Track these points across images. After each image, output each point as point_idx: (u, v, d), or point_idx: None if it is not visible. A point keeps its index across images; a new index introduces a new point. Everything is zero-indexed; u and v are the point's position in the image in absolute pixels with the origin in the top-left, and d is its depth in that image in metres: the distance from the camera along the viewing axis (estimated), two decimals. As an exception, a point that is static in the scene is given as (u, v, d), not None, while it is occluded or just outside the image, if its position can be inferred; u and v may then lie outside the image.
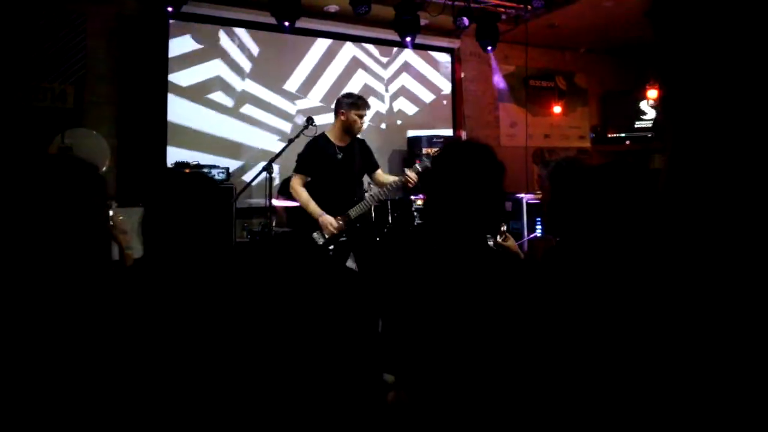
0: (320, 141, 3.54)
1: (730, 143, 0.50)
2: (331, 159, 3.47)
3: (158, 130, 4.92)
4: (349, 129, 3.48)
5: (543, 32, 6.18)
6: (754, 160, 0.48)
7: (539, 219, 5.59)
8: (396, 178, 3.54)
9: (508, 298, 1.29)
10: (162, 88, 4.95)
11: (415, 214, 5.19)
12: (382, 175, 3.72)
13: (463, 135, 6.42)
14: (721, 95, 0.51)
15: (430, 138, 5.85)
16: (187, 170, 4.49)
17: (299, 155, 3.53)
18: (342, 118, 3.47)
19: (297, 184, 3.47)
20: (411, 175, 3.39)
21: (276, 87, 5.55)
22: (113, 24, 4.78)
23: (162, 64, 4.94)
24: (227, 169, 4.84)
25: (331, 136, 3.53)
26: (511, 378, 1.24)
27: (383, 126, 6.08)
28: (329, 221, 3.39)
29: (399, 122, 6.18)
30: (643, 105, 7.09)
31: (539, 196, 5.47)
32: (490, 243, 2.15)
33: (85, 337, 0.95)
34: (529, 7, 5.43)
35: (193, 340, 1.06)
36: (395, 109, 6.18)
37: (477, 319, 1.27)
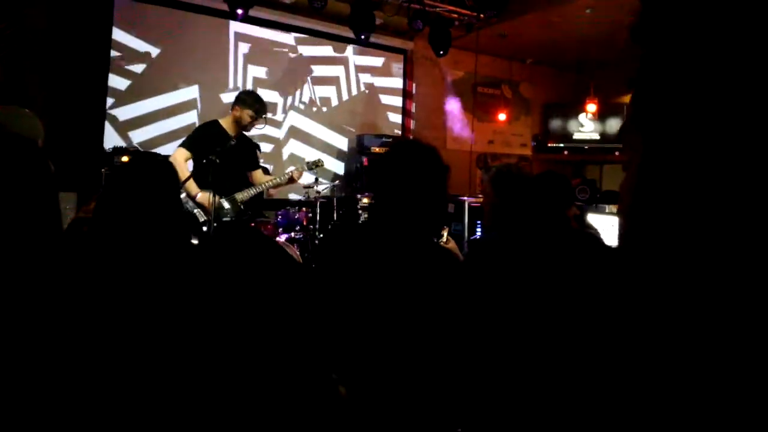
0: (213, 126, 3.70)
1: (709, 151, 0.50)
2: (226, 144, 3.53)
3: (96, 111, 4.71)
4: (239, 123, 3.63)
5: (493, 41, 6.37)
6: (735, 169, 0.49)
7: (479, 222, 5.75)
8: (271, 178, 3.83)
9: (449, 297, 1.34)
10: (103, 67, 4.75)
11: (360, 211, 5.22)
12: (260, 174, 3.93)
13: (410, 136, 6.51)
14: (706, 107, 0.51)
15: (378, 137, 5.90)
16: (126, 156, 4.32)
17: (190, 134, 3.72)
18: (236, 114, 3.63)
19: (181, 159, 3.57)
20: (296, 172, 3.75)
21: (217, 76, 5.43)
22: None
23: (105, 41, 4.74)
24: (166, 157, 4.69)
25: (224, 124, 3.67)
26: (447, 370, 1.29)
27: (331, 123, 6.08)
28: (207, 197, 3.45)
29: (347, 120, 6.19)
30: (582, 118, 7.43)
31: (481, 199, 5.64)
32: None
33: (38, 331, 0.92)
34: (481, 15, 5.58)
35: (140, 334, 1.05)
36: (343, 108, 6.18)
37: (416, 316, 1.32)
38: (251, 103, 3.62)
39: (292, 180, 3.79)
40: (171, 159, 3.56)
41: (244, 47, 5.52)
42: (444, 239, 2.19)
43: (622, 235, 0.54)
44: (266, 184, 3.78)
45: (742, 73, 0.45)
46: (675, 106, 0.48)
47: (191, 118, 5.20)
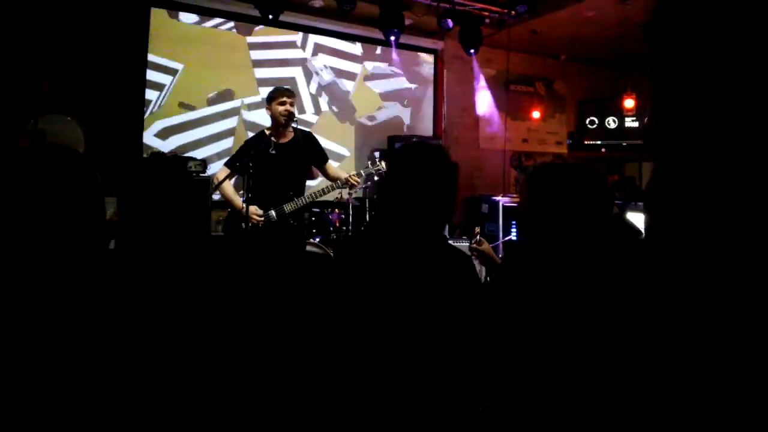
0: (256, 136, 3.65)
1: (722, 151, 0.51)
2: (263, 153, 3.43)
3: (134, 118, 4.85)
4: (277, 121, 3.51)
5: (525, 38, 6.26)
6: (744, 169, 0.50)
7: (514, 222, 5.66)
8: (347, 175, 3.62)
9: (455, 289, 1.32)
10: (140, 75, 4.88)
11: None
12: (333, 168, 3.76)
13: (442, 136, 6.46)
14: (717, 104, 0.52)
15: (409, 138, 5.88)
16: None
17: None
18: (269, 113, 3.56)
19: (221, 177, 3.56)
20: (355, 177, 3.57)
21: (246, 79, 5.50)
22: (93, 6, 4.67)
23: (141, 51, 4.87)
24: (204, 161, 4.77)
25: (268, 132, 3.60)
26: (472, 362, 1.27)
27: (364, 124, 6.08)
28: (252, 211, 3.38)
29: (380, 121, 6.19)
30: (619, 114, 7.23)
31: (517, 199, 5.55)
32: (464, 245, 2.18)
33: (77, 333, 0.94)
34: (512, 12, 5.50)
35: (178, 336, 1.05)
36: (376, 109, 6.18)
37: (425, 312, 1.29)
38: (272, 93, 3.54)
39: (347, 184, 3.60)
40: (214, 177, 3.62)
41: (259, 70, 5.58)
42: (477, 240, 2.14)
43: (646, 228, 0.60)
44: (320, 192, 3.58)
45: (751, 81, 0.46)
46: (684, 113, 0.49)
47: (229, 143, 5.29)
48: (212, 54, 5.24)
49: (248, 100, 5.44)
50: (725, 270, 0.49)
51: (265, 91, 5.36)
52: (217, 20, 5.30)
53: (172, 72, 5.06)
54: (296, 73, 5.68)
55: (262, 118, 5.44)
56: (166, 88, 5.04)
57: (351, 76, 6.02)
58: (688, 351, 0.51)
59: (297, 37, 5.71)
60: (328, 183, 3.70)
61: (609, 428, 1.16)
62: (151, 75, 4.96)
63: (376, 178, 3.86)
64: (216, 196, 4.09)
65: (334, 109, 5.92)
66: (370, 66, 6.13)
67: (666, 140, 0.56)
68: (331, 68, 5.89)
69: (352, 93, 6.02)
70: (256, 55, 5.50)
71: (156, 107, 5.01)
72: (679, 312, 0.52)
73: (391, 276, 1.36)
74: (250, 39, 5.46)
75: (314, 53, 5.80)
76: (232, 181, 3.77)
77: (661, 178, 0.56)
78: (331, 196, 5.04)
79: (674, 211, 0.54)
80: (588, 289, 1.19)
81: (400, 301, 1.33)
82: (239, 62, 5.40)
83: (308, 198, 3.56)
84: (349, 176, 3.58)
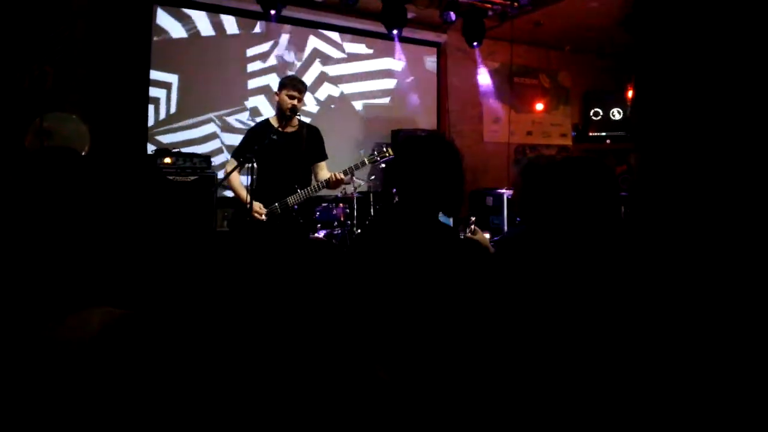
0: (260, 125, 3.57)
1: (699, 143, 0.53)
2: (265, 140, 3.34)
3: (139, 116, 4.89)
4: (282, 110, 3.44)
5: (528, 30, 6.23)
6: (723, 160, 0.52)
7: (519, 215, 5.67)
8: (331, 174, 3.50)
9: (464, 279, 1.33)
10: (144, 74, 4.92)
11: (397, 206, 5.21)
12: (323, 168, 3.63)
13: (446, 130, 6.46)
14: (693, 98, 0.54)
15: (413, 132, 5.88)
16: (169, 158, 4.46)
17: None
18: (276, 99, 3.49)
19: (228, 170, 3.43)
20: (340, 174, 3.46)
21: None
22: (97, 4, 4.71)
23: (144, 48, 4.90)
24: (208, 157, 4.81)
25: (273, 121, 3.53)
26: (474, 356, 1.28)
27: (366, 117, 6.09)
28: (255, 209, 3.32)
29: (383, 115, 6.19)
30: (624, 105, 7.19)
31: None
32: (460, 236, 2.19)
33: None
34: (515, 4, 5.47)
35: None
36: (379, 102, 6.18)
37: (435, 299, 1.31)
38: (284, 81, 3.48)
39: (329, 183, 3.49)
40: (224, 172, 3.53)
41: (261, 72, 5.60)
42: (471, 229, 2.15)
43: (630, 216, 0.61)
44: (312, 188, 3.49)
45: (731, 72, 0.47)
46: (664, 107, 0.50)
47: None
48: (207, 65, 5.24)
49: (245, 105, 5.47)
50: (702, 254, 0.50)
51: (255, 101, 5.46)
52: (213, 30, 5.30)
53: (166, 86, 5.08)
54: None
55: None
56: (162, 100, 5.06)
57: (352, 70, 6.02)
58: (670, 345, 0.52)
59: (289, 36, 5.69)
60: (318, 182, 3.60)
61: (597, 423, 1.17)
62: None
63: (382, 165, 3.78)
64: (229, 192, 4.09)
65: (333, 106, 5.92)
66: (372, 61, 6.13)
67: (645, 132, 0.57)
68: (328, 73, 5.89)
69: (353, 88, 6.03)
70: (252, 66, 5.50)
71: (163, 115, 5.05)
72: (660, 301, 0.53)
73: (405, 267, 1.37)
74: (249, 51, 5.48)
75: (311, 52, 5.79)
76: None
77: (641, 168, 0.57)
78: (335, 191, 5.10)
79: (653, 200, 0.55)
80: (573, 284, 1.20)
81: (412, 293, 1.34)
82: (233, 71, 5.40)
83: (311, 190, 3.50)
84: (333, 174, 3.47)
